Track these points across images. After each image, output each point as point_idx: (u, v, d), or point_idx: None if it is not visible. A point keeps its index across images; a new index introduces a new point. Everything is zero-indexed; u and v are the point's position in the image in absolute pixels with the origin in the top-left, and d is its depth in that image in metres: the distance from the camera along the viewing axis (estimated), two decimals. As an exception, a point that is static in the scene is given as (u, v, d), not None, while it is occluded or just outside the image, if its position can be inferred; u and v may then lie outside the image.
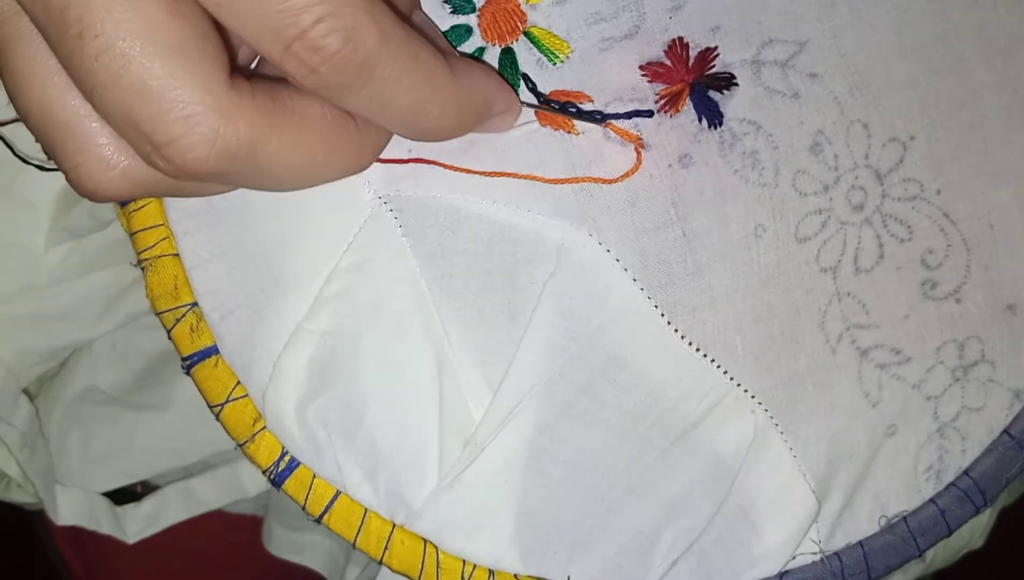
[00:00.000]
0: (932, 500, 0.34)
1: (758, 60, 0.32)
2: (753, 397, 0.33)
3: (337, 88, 0.23)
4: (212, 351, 0.32)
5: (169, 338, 0.32)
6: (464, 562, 0.33)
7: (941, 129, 0.33)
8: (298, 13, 0.22)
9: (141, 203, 0.32)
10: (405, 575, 0.32)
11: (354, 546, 0.33)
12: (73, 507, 0.46)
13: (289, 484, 0.32)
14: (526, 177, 0.31)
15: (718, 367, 0.33)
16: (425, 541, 0.32)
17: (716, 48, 0.32)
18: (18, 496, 0.45)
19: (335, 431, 0.32)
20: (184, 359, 0.32)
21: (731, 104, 0.32)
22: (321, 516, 0.32)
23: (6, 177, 0.38)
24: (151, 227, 0.32)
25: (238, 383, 0.32)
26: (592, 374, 0.32)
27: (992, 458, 0.34)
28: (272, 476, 0.32)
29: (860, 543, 0.34)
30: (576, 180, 0.31)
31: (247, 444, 0.32)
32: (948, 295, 0.33)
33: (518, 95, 0.31)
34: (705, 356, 0.32)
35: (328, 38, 0.22)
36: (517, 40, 0.31)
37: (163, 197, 0.31)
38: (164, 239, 0.32)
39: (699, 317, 0.32)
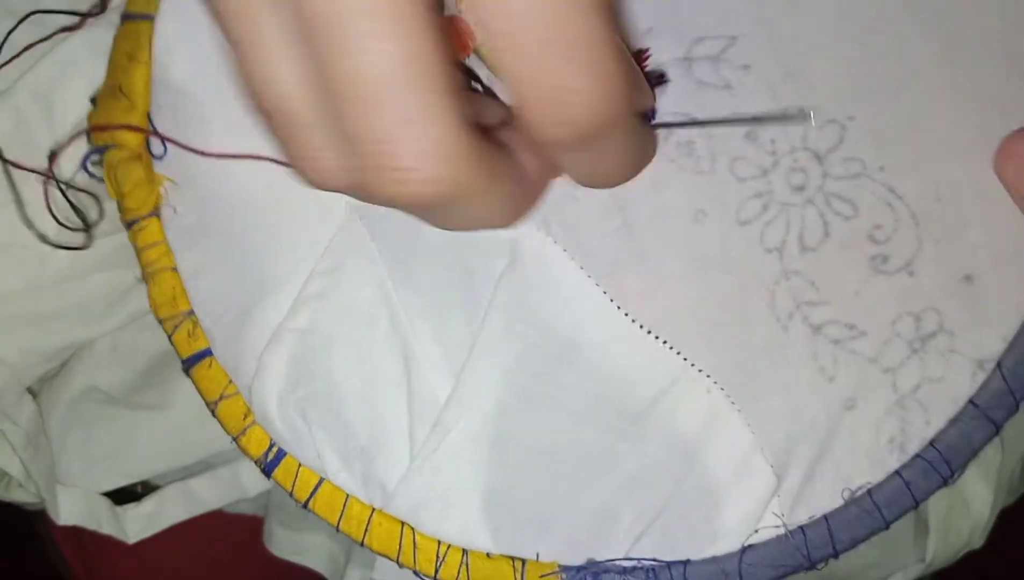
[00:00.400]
0: (897, 472, 0.34)
1: (690, 57, 0.34)
2: (708, 376, 0.34)
3: (575, 149, 0.23)
4: (207, 353, 0.36)
5: (171, 343, 0.36)
6: (439, 542, 0.35)
7: (881, 109, 0.34)
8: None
9: (144, 224, 0.36)
10: (385, 555, 0.35)
11: (338, 529, 0.35)
12: (74, 507, 0.47)
13: (278, 473, 0.35)
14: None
15: (671, 348, 0.34)
16: (402, 523, 0.35)
17: (648, 49, 0.34)
18: (19, 496, 0.46)
19: (314, 422, 0.35)
20: (183, 361, 0.36)
21: (664, 99, 0.34)
22: (307, 502, 0.35)
23: (20, 178, 0.39)
24: (152, 244, 0.36)
25: (230, 381, 0.36)
26: (548, 359, 0.34)
27: (956, 428, 0.34)
28: (263, 466, 0.35)
29: (824, 516, 0.34)
30: None
31: (240, 437, 0.35)
32: (900, 269, 0.34)
33: None
34: (657, 338, 0.34)
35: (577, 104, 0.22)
36: (468, 56, 0.34)
37: None
38: (163, 255, 0.36)
39: (648, 301, 0.34)
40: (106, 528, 0.47)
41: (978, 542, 0.46)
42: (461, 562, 0.34)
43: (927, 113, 0.34)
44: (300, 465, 0.35)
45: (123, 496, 0.49)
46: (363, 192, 0.23)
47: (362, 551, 0.47)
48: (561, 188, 0.33)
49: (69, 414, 0.45)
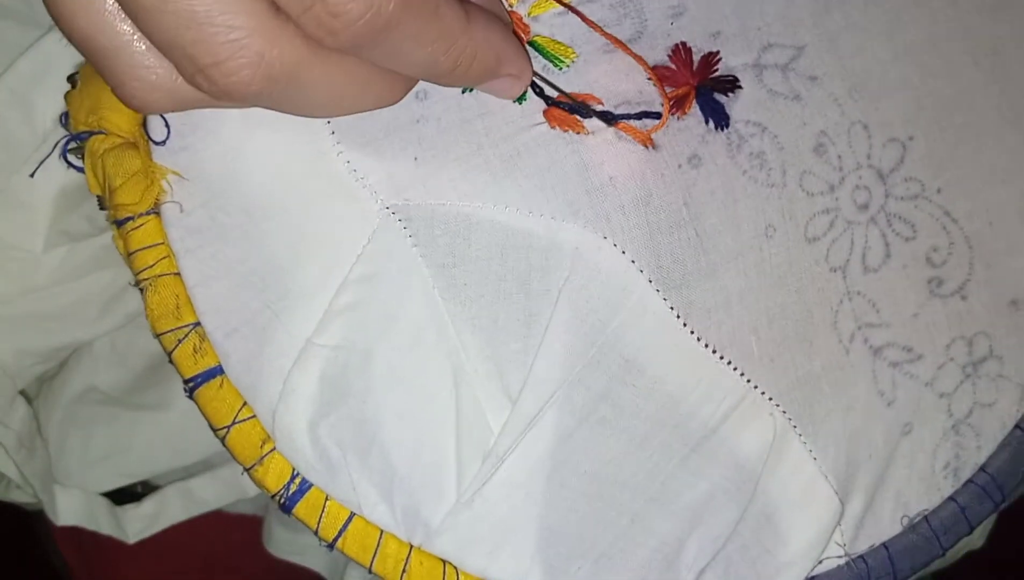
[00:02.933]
0: (952, 498, 0.34)
1: (759, 64, 0.33)
2: (771, 399, 0.33)
3: (356, 48, 0.24)
4: (217, 372, 0.31)
5: (170, 361, 0.32)
6: None
7: (937, 129, 0.34)
8: None
9: (139, 222, 0.31)
10: (425, 599, 0.32)
11: (370, 571, 0.32)
12: (73, 507, 0.46)
13: (300, 507, 0.31)
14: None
15: (735, 369, 0.33)
16: (444, 562, 0.32)
17: (718, 52, 0.33)
18: (17, 497, 0.45)
19: (349, 449, 0.31)
20: (187, 382, 0.31)
21: (736, 106, 0.32)
22: (335, 540, 0.31)
23: (3, 179, 0.38)
24: (150, 246, 0.31)
25: (244, 404, 0.31)
26: (611, 379, 0.32)
27: (1007, 453, 0.34)
28: (282, 500, 0.31)
29: (884, 544, 0.33)
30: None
31: (255, 467, 0.31)
32: (954, 292, 0.34)
33: (526, 98, 0.31)
34: (722, 358, 0.32)
35: (350, 3, 0.23)
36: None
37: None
38: (164, 258, 0.31)
39: (714, 318, 0.32)
40: (106, 528, 0.47)
41: (978, 542, 0.48)
42: (510, 603, 0.32)
43: (976, 135, 0.34)
44: (328, 498, 0.31)
45: (123, 496, 0.49)
46: (194, 102, 0.25)
47: None
48: (630, 189, 0.31)
49: (68, 415, 0.45)
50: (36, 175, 0.37)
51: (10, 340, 0.41)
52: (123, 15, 0.23)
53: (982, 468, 0.34)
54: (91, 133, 0.31)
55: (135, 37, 0.24)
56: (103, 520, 0.47)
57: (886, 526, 0.33)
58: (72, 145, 0.32)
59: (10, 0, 0.37)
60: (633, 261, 0.31)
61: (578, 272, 0.31)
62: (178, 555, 0.55)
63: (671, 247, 0.31)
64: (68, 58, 0.37)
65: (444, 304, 0.31)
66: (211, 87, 0.23)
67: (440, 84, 0.29)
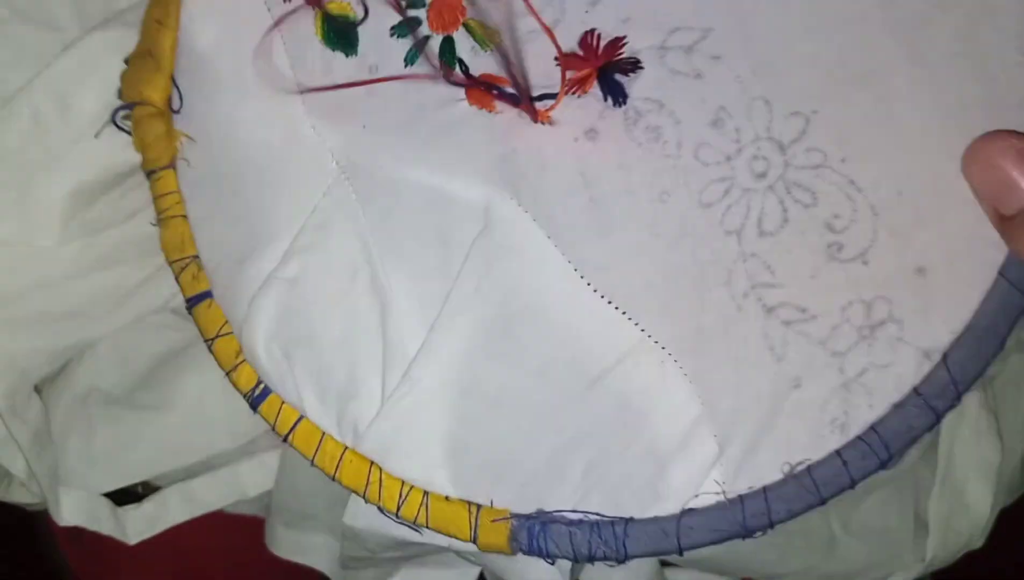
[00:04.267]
0: (837, 452, 0.36)
1: (664, 46, 0.36)
2: (663, 348, 0.37)
3: None
4: (207, 295, 0.40)
5: (177, 282, 0.41)
6: (403, 482, 0.38)
7: (845, 103, 0.35)
8: None
9: (161, 174, 0.40)
10: (354, 491, 0.39)
11: (312, 463, 0.39)
12: (75, 507, 0.46)
13: (263, 408, 0.39)
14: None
15: (629, 319, 0.37)
16: (371, 462, 0.39)
17: (624, 37, 0.37)
18: (20, 496, 0.47)
19: (296, 363, 0.38)
20: (187, 300, 0.40)
21: (636, 85, 0.36)
22: (287, 436, 0.39)
23: (22, 176, 0.40)
24: (167, 193, 0.40)
25: (226, 321, 0.40)
26: (513, 320, 0.36)
27: (899, 415, 0.35)
28: (250, 400, 0.39)
29: (763, 488, 0.36)
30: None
31: (231, 372, 0.39)
32: (855, 257, 0.36)
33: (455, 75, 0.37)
34: (617, 309, 0.37)
35: None
36: (457, 30, 0.38)
37: None
38: (176, 203, 0.40)
39: (611, 274, 0.36)
40: (107, 529, 0.48)
41: (978, 542, 0.47)
42: (421, 503, 0.38)
43: (893, 110, 0.35)
44: (283, 402, 0.39)
45: (124, 497, 0.49)
46: None
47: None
48: (531, 159, 0.36)
49: (71, 415, 0.46)
50: (52, 172, 0.39)
51: (24, 338, 0.42)
52: None
53: (872, 427, 0.36)
54: (136, 104, 0.41)
55: None
56: (105, 520, 0.48)
57: (766, 472, 0.36)
58: (123, 113, 0.41)
59: (27, 5, 0.40)
60: (535, 220, 0.36)
61: (489, 226, 0.36)
62: (179, 556, 0.55)
63: (566, 209, 0.36)
64: (106, 59, 0.39)
65: (376, 251, 0.37)
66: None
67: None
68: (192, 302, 0.39)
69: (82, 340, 0.44)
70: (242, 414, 0.39)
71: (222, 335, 0.39)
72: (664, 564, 0.48)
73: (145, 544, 0.49)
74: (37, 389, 0.46)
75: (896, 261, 0.35)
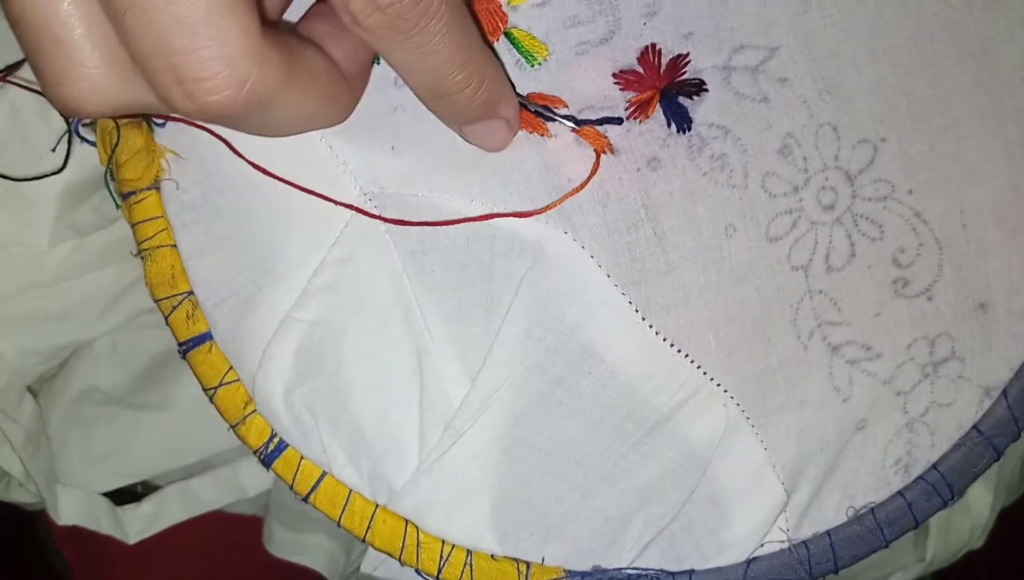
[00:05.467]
0: (900, 493, 0.35)
1: (728, 66, 0.34)
2: (725, 391, 0.34)
3: (394, 31, 0.24)
4: (207, 337, 0.35)
5: (167, 323, 0.35)
6: (443, 542, 0.34)
7: (912, 131, 0.34)
8: None
9: (142, 196, 0.34)
10: (387, 553, 0.35)
11: (339, 525, 0.35)
12: (74, 507, 0.46)
13: (278, 464, 0.35)
14: (505, 215, 0.33)
15: (691, 362, 0.34)
16: (406, 521, 0.35)
17: (688, 54, 0.34)
18: (19, 496, 0.46)
19: (321, 416, 0.34)
20: (180, 344, 0.35)
21: (700, 109, 0.33)
22: (308, 495, 0.35)
23: (15, 174, 0.38)
24: (150, 219, 0.35)
25: (230, 368, 0.34)
26: (568, 366, 0.33)
27: (960, 453, 0.35)
28: (262, 456, 0.35)
29: (827, 532, 0.34)
30: (548, 208, 0.32)
31: (239, 426, 0.35)
32: (920, 293, 0.35)
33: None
34: (679, 351, 0.34)
35: None
36: (498, 40, 0.33)
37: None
38: (162, 230, 0.34)
39: (672, 314, 0.34)
40: (106, 528, 0.48)
41: (978, 542, 0.48)
42: (465, 562, 0.35)
43: (955, 138, 0.34)
44: (302, 458, 0.35)
45: (123, 496, 0.49)
46: (150, 108, 0.24)
47: (362, 551, 0.48)
48: (591, 194, 0.33)
49: (69, 414, 0.45)
50: (43, 172, 0.37)
51: (15, 338, 0.42)
52: (80, 10, 0.22)
53: (934, 466, 0.35)
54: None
55: (89, 34, 0.23)
56: (104, 520, 0.48)
57: (831, 515, 0.35)
58: (85, 121, 0.35)
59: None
60: (592, 256, 0.33)
61: (539, 263, 0.33)
62: (178, 555, 0.55)
63: (629, 246, 0.33)
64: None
65: (412, 288, 0.33)
66: (186, 103, 0.22)
67: (442, 110, 0.29)
68: (188, 346, 0.34)
69: (75, 340, 0.44)
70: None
71: (226, 383, 0.34)
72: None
73: (144, 543, 0.50)
74: (33, 390, 0.45)
75: (959, 297, 0.35)
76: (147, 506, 0.49)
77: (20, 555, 0.58)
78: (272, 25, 0.24)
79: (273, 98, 0.23)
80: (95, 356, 0.46)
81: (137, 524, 0.49)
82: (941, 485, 0.35)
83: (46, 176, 0.37)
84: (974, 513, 0.48)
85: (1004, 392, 0.35)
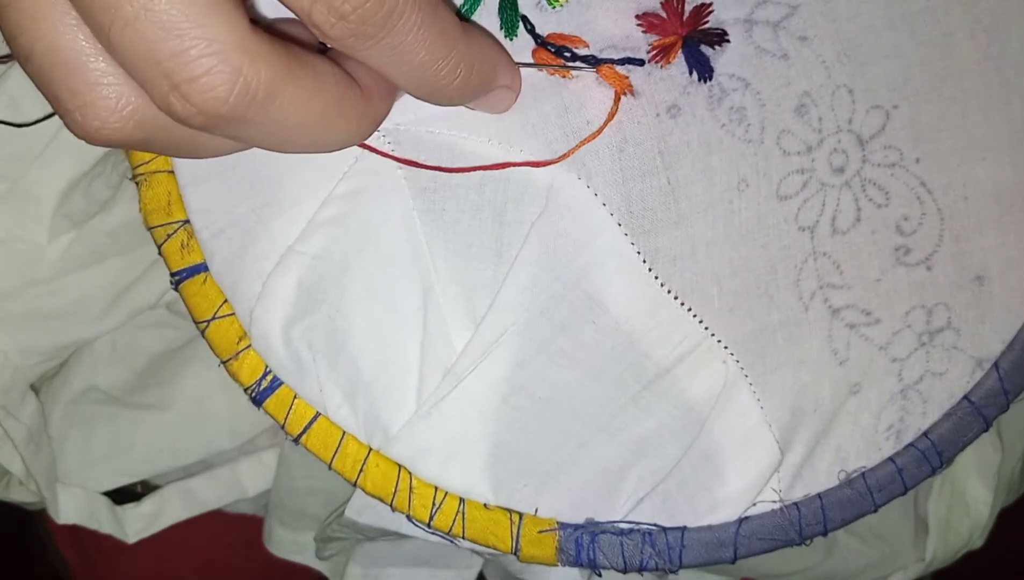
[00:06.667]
0: (891, 458, 0.35)
1: (751, 19, 0.34)
2: (726, 347, 0.34)
3: (362, 37, 0.23)
4: (201, 268, 0.34)
5: (159, 252, 0.34)
6: (436, 489, 0.34)
7: (923, 100, 0.34)
8: None
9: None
10: (378, 498, 0.34)
11: (330, 467, 0.34)
12: (74, 506, 0.46)
13: (270, 403, 0.34)
14: (520, 164, 0.33)
15: (694, 316, 0.34)
16: (399, 466, 0.34)
17: (711, 3, 0.34)
18: (19, 495, 0.46)
19: (319, 352, 0.33)
20: (173, 274, 0.33)
21: (722, 60, 0.33)
22: (300, 436, 0.34)
23: (15, 172, 0.38)
24: (149, 142, 0.34)
25: (225, 301, 0.33)
26: (572, 314, 0.33)
27: (951, 422, 0.35)
28: (254, 394, 0.34)
29: (819, 495, 0.35)
30: (565, 156, 0.32)
31: (231, 361, 0.34)
32: (920, 262, 0.35)
33: (517, 34, 0.33)
34: (683, 304, 0.34)
35: None
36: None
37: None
38: (159, 155, 0.34)
39: (679, 265, 0.34)
40: (106, 528, 0.48)
41: (978, 542, 0.48)
42: (457, 510, 0.34)
43: (963, 111, 0.35)
44: (296, 397, 0.33)
45: (123, 496, 0.49)
46: (156, 130, 0.24)
47: (362, 549, 0.47)
48: (608, 139, 0.33)
49: (69, 414, 0.45)
50: (44, 168, 0.37)
51: (16, 337, 0.41)
52: (86, 31, 0.22)
53: (925, 434, 0.36)
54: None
55: (98, 50, 0.22)
56: (103, 519, 0.48)
57: (822, 478, 0.35)
58: None
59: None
60: (604, 204, 0.33)
61: (551, 208, 0.33)
62: (178, 555, 0.55)
63: (642, 193, 0.33)
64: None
65: (422, 226, 0.33)
66: (184, 106, 0.22)
67: (435, 100, 0.28)
68: (181, 277, 0.33)
69: (77, 339, 0.43)
70: (241, 413, 0.35)
71: (219, 317, 0.33)
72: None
73: (144, 543, 0.49)
74: (35, 388, 0.45)
75: (958, 268, 0.35)
76: (147, 506, 0.49)
77: (20, 555, 0.59)
78: (262, 29, 0.24)
79: (270, 94, 0.23)
80: (95, 355, 0.45)
81: (137, 523, 0.49)
82: (931, 453, 0.35)
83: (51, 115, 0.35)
84: (974, 513, 0.48)
85: (996, 364, 0.35)
